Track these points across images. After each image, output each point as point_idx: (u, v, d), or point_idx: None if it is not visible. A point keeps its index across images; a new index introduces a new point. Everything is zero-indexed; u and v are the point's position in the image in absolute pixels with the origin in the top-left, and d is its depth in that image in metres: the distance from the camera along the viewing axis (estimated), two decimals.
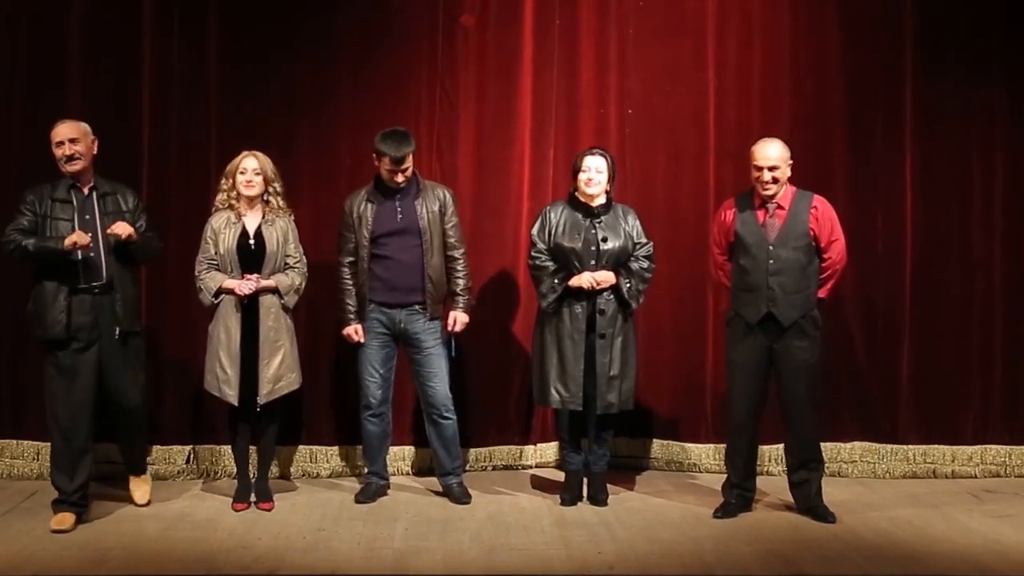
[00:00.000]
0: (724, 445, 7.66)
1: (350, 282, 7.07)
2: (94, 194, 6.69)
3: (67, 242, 6.44)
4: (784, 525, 6.63)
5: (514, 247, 7.86)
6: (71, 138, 6.61)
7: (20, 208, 6.61)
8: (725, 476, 7.01)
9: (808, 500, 6.81)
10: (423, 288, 7.00)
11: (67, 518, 6.55)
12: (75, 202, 6.64)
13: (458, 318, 7.14)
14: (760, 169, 6.66)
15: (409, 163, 6.98)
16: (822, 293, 6.78)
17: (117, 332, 6.61)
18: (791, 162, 6.70)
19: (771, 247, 6.66)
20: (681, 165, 7.96)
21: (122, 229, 6.54)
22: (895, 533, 6.53)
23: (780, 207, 6.71)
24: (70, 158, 6.61)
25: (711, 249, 7.06)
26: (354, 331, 7.06)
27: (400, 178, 6.96)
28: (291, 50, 7.70)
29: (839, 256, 6.78)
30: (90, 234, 6.53)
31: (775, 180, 6.65)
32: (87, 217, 6.62)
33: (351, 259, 7.05)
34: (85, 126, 6.70)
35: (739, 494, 6.88)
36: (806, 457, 6.81)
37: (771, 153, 6.66)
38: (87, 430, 6.62)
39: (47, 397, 6.65)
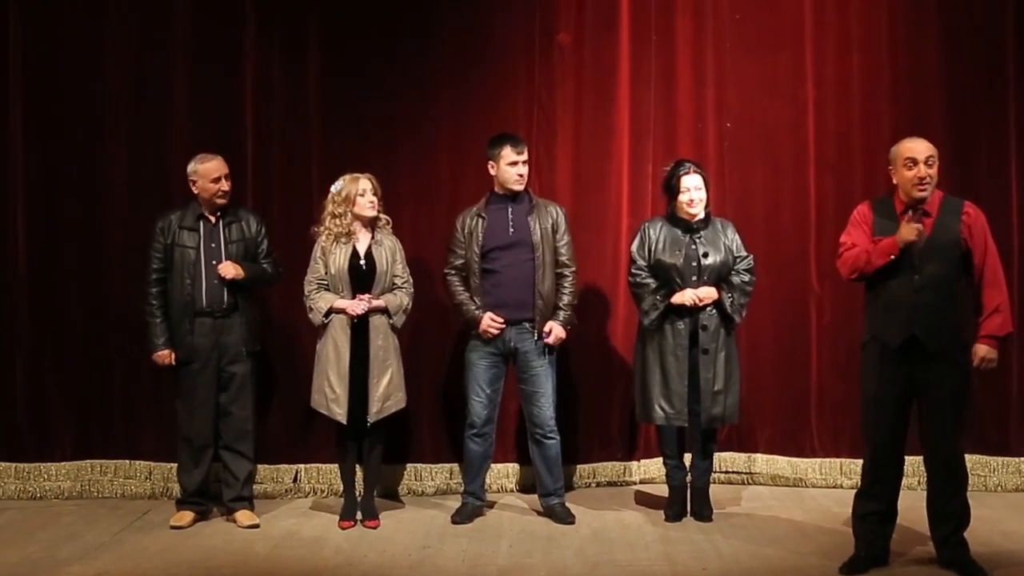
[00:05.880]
0: (831, 460, 7.59)
1: (461, 287, 7.03)
2: (220, 223, 6.94)
3: (157, 356, 6.94)
4: (894, 538, 6.28)
5: (614, 262, 7.84)
6: (226, 174, 6.95)
7: (152, 243, 6.95)
8: (847, 504, 6.27)
9: (952, 555, 5.93)
10: (533, 304, 6.96)
11: (184, 516, 7.00)
12: (202, 230, 6.92)
13: (554, 329, 6.98)
14: (915, 163, 5.81)
15: (527, 158, 7.03)
16: (992, 328, 5.85)
17: (244, 352, 6.93)
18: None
19: (916, 260, 5.79)
20: (780, 178, 7.90)
21: (225, 271, 6.85)
22: (1008, 547, 6.40)
23: (927, 213, 5.86)
24: (225, 193, 6.93)
25: (847, 243, 6.00)
26: (489, 318, 6.96)
27: (522, 174, 6.97)
28: (390, 68, 7.77)
29: (994, 273, 5.87)
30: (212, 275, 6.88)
31: (931, 177, 5.83)
32: (212, 245, 6.94)
33: (453, 269, 7.05)
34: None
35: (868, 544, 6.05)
36: (948, 511, 5.88)
37: (925, 145, 5.88)
38: (209, 431, 6.98)
39: (176, 402, 7.06)
